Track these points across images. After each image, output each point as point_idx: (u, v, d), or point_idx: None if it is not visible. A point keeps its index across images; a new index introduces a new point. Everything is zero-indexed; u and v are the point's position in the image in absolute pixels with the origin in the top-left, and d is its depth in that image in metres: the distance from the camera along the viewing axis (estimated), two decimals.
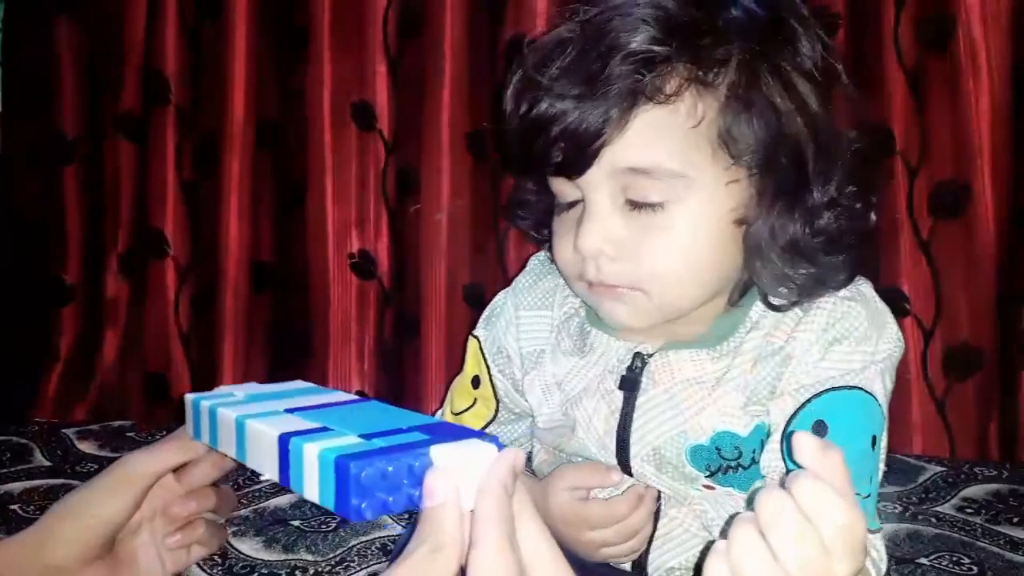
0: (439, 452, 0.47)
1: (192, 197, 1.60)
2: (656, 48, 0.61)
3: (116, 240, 1.64)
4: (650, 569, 0.74)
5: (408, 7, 1.47)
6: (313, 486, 0.49)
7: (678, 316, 0.68)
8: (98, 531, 0.66)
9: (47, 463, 1.36)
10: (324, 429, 0.53)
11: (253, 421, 0.57)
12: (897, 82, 1.29)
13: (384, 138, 1.51)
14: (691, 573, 0.73)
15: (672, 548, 0.73)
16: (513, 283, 0.84)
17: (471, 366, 0.84)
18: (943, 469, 1.29)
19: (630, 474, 0.72)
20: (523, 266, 0.94)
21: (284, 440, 0.52)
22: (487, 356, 0.82)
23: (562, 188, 0.68)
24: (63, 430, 1.51)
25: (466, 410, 0.83)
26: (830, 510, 0.43)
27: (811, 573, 0.43)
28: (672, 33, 0.62)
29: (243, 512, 1.14)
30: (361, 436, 0.50)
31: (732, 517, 0.46)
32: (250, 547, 1.05)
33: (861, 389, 0.64)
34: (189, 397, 0.67)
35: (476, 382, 0.83)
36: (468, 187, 1.47)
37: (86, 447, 1.44)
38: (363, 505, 0.45)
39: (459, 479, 0.46)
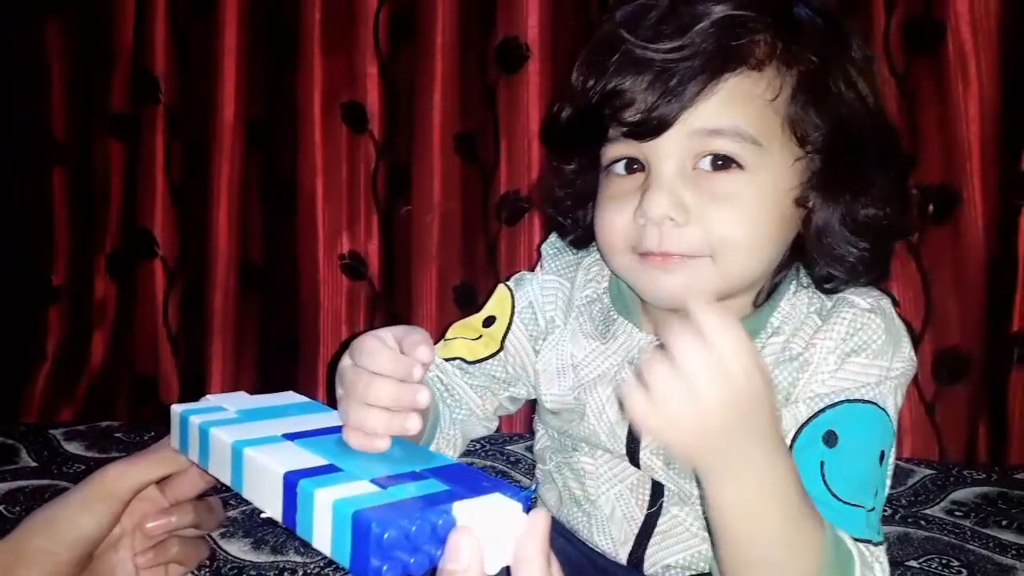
0: (463, 510, 0.44)
1: (181, 197, 1.59)
2: (752, 15, 0.62)
3: (105, 240, 1.63)
4: (646, 565, 0.73)
5: (399, 8, 1.47)
6: (325, 537, 0.46)
7: (732, 291, 0.68)
8: (72, 548, 0.62)
9: (33, 464, 1.35)
10: (332, 468, 0.50)
11: (252, 451, 0.53)
12: (887, 86, 1.29)
13: (375, 139, 1.51)
14: (688, 572, 0.72)
15: (671, 546, 0.72)
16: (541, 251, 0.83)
17: (491, 307, 0.82)
18: (932, 472, 1.29)
19: (638, 466, 0.72)
20: (512, 267, 0.93)
21: (291, 482, 0.49)
22: (515, 306, 0.80)
23: (622, 155, 0.66)
24: (50, 431, 1.50)
25: (461, 338, 0.80)
26: (721, 333, 0.51)
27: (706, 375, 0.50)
28: (765, 8, 0.63)
29: (232, 513, 1.13)
30: (374, 482, 0.48)
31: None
32: (239, 548, 1.04)
33: (874, 404, 0.65)
34: (176, 409, 0.63)
35: (490, 322, 0.81)
36: (459, 188, 1.47)
37: (73, 448, 1.43)
38: (384, 568, 0.42)
39: (483, 539, 0.43)
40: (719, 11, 0.61)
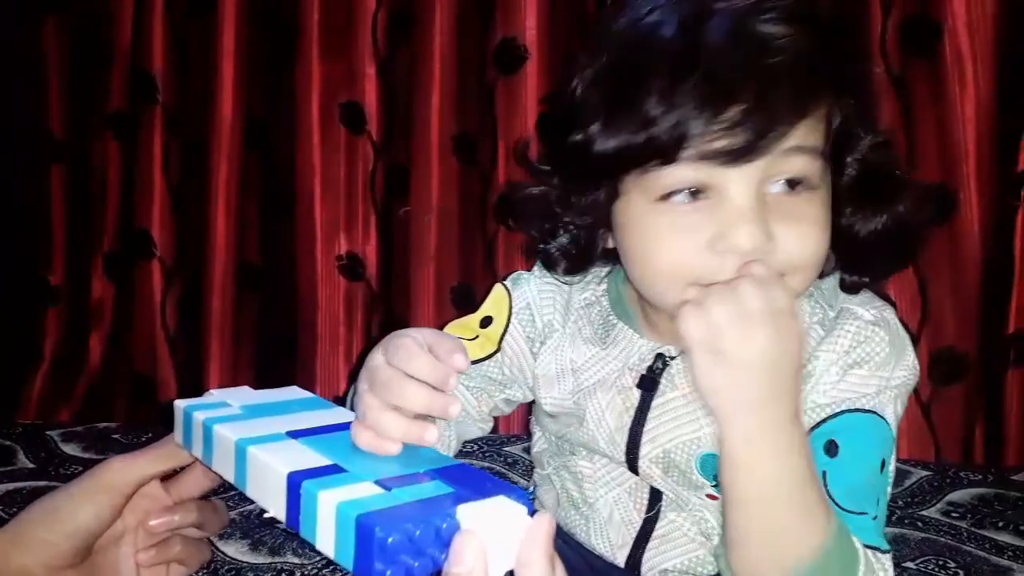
0: (467, 513, 0.44)
1: (179, 198, 1.59)
2: (839, 39, 0.64)
3: (102, 241, 1.63)
4: (644, 568, 0.73)
5: (398, 9, 1.47)
6: (328, 540, 0.46)
7: None
8: (71, 538, 0.62)
9: (31, 465, 1.35)
10: (336, 468, 0.50)
11: (256, 449, 0.53)
12: (883, 88, 1.29)
13: (373, 140, 1.51)
14: None
15: (668, 550, 0.73)
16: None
17: (488, 307, 0.79)
18: (929, 473, 1.29)
19: (636, 473, 0.72)
20: (510, 268, 0.92)
21: (295, 482, 0.48)
22: (513, 307, 0.78)
23: (692, 183, 0.61)
24: (47, 432, 1.50)
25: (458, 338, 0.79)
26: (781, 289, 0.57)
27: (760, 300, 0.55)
28: (842, 35, 0.66)
29: (230, 514, 1.12)
30: (378, 483, 0.48)
31: None
32: (236, 550, 1.04)
33: (874, 413, 0.65)
34: (179, 404, 0.62)
35: (487, 322, 0.79)
36: (457, 189, 1.47)
37: (70, 449, 1.43)
38: (388, 572, 0.42)
39: (488, 543, 0.43)
40: (797, 35, 0.60)
